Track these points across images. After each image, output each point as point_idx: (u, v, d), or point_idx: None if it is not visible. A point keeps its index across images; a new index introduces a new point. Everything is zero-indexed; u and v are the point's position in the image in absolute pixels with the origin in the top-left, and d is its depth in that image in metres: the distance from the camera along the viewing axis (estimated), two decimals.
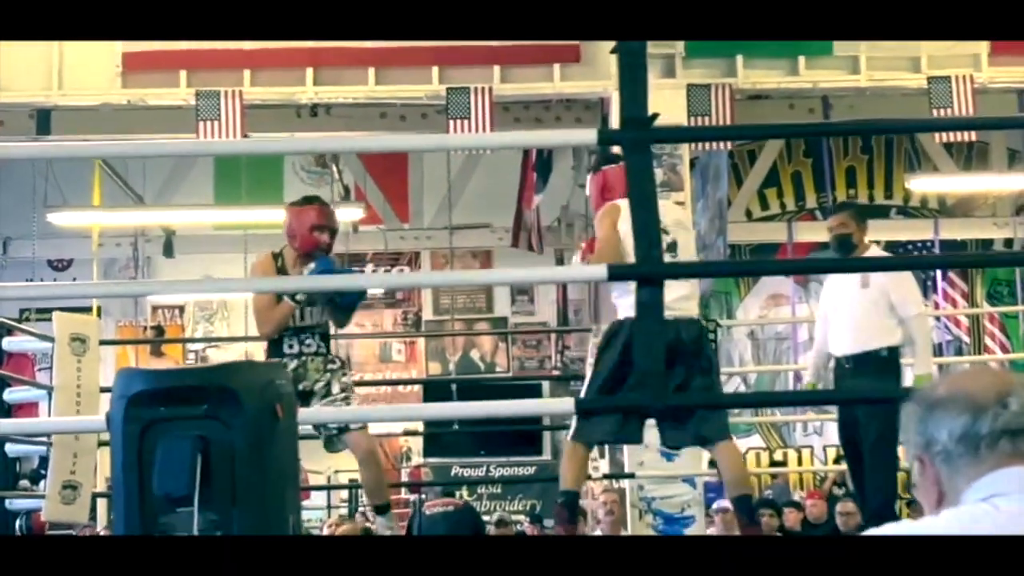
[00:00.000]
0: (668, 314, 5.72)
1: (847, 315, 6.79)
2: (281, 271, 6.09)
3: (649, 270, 3.36)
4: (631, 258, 5.37)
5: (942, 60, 9.50)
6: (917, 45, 9.46)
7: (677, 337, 5.32)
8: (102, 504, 11.01)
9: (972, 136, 10.09)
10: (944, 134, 9.71)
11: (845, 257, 6.87)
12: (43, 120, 9.60)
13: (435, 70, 9.31)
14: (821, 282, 14.58)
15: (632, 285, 5.76)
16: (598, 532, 8.83)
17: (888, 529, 1.72)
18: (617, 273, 3.99)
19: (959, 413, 1.70)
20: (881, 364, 6.62)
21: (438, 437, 13.20)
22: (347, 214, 12.62)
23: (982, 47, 9.50)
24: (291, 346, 6.08)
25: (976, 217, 14.10)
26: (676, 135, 4.62)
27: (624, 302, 5.57)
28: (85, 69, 9.27)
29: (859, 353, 6.68)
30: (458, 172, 13.10)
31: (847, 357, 6.73)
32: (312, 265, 5.98)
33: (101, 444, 8.13)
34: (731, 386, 13.52)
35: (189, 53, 9.03)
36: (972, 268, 13.94)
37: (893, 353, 6.70)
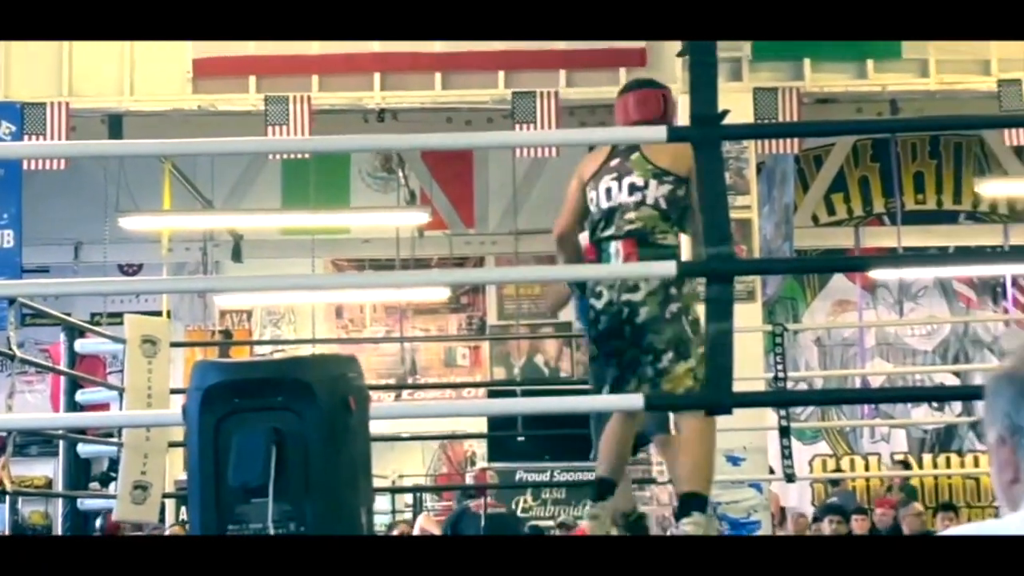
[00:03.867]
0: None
1: None
2: None
3: (719, 267, 3.36)
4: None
5: (1013, 63, 9.40)
6: (987, 47, 9.36)
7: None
8: (170, 505, 11.15)
9: None
10: (1015, 138, 9.59)
11: None
12: (115, 126, 9.75)
13: (501, 74, 9.34)
14: (889, 287, 14.57)
15: None
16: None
17: (957, 531, 1.69)
18: (687, 270, 3.98)
19: None
20: None
21: (503, 442, 13.23)
22: (412, 219, 12.70)
23: None
24: None
25: None
26: (746, 132, 4.62)
27: None
28: (156, 75, 9.41)
29: None
30: (523, 177, 13.11)
31: None
32: None
33: (171, 445, 8.24)
34: None
35: (258, 59, 9.13)
36: None
37: None
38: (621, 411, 4.79)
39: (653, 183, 4.86)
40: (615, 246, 4.91)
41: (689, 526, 4.38)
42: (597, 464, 5.10)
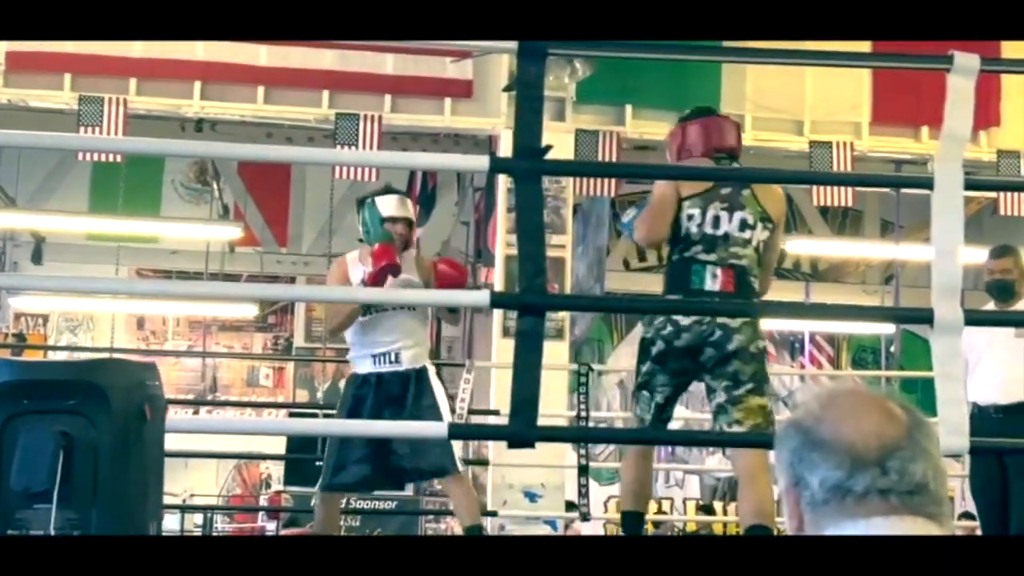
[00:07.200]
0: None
1: (997, 363, 6.32)
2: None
3: (532, 300, 3.36)
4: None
5: (825, 125, 9.73)
6: (801, 108, 9.68)
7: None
8: None
9: (849, 202, 10.31)
10: (821, 197, 9.91)
11: (1004, 305, 6.43)
12: None
13: (325, 94, 9.26)
14: None
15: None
16: None
17: None
18: (499, 301, 3.98)
19: (836, 465, 1.65)
20: None
21: (300, 466, 13.01)
22: (224, 233, 12.48)
23: (864, 115, 9.75)
24: None
25: (846, 283, 14.42)
26: (568, 168, 4.66)
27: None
28: None
29: (1009, 404, 6.29)
30: (340, 200, 13.00)
31: (996, 407, 6.31)
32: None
33: None
34: None
35: (75, 56, 8.86)
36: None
37: None
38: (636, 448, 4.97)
39: (760, 226, 5.02)
40: (714, 271, 4.98)
41: None
42: (621, 498, 5.22)
